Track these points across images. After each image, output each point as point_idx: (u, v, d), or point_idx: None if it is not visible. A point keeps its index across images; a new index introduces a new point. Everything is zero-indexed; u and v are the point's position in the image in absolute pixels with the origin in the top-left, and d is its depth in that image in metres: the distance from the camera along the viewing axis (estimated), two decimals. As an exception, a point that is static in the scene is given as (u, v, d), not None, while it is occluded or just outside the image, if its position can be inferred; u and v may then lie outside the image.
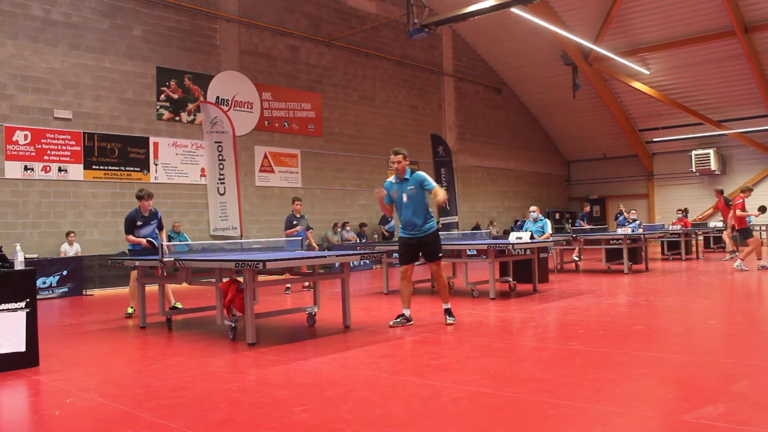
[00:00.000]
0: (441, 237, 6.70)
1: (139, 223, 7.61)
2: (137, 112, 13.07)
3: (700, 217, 22.27)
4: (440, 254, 6.34)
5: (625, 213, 14.91)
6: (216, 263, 5.94)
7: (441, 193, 5.96)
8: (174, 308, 7.66)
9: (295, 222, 10.31)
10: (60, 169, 11.91)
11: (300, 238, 9.24)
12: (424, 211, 6.22)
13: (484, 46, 21.71)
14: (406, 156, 6.21)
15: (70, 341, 6.22)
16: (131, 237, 7.57)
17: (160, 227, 7.88)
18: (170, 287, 7.89)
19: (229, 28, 14.72)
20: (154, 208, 7.87)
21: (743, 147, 22.30)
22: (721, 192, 15.65)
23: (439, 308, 7.60)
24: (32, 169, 11.61)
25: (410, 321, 6.37)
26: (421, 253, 6.31)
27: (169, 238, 12.99)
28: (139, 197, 7.68)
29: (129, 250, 7.86)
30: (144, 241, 7.48)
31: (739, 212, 11.80)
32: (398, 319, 6.31)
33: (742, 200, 11.93)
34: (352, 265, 10.13)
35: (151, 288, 8.70)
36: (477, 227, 20.46)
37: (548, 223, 11.24)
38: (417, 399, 3.65)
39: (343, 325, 6.30)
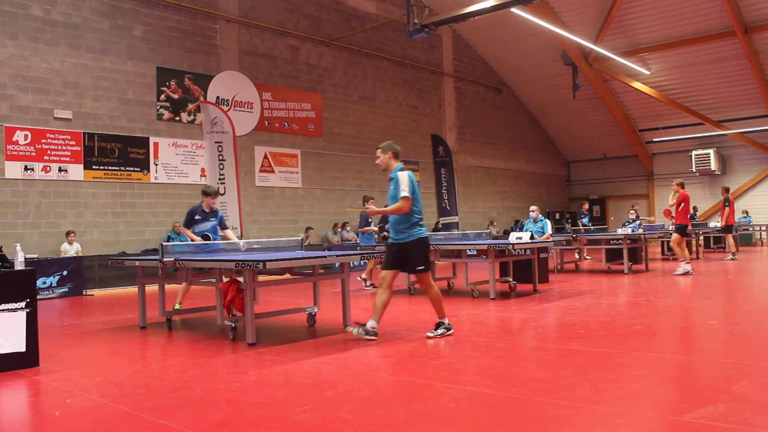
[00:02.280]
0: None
1: (197, 217, 7.67)
2: (137, 112, 13.08)
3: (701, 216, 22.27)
4: (420, 266, 5.50)
5: (636, 213, 14.81)
6: (216, 263, 5.94)
7: (373, 208, 5.87)
8: (175, 309, 7.63)
9: (370, 220, 10.93)
10: (60, 169, 11.92)
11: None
12: (403, 215, 5.52)
13: (484, 47, 21.71)
14: (385, 150, 5.62)
15: (70, 341, 6.22)
16: (188, 232, 7.70)
17: (223, 226, 7.88)
18: (184, 288, 7.77)
19: (229, 28, 14.72)
20: (216, 208, 7.88)
21: (743, 147, 22.31)
22: (727, 190, 15.61)
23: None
24: (32, 169, 11.61)
25: (372, 336, 5.50)
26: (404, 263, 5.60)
27: (169, 239, 13.01)
28: (206, 193, 7.71)
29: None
30: (197, 237, 7.51)
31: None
32: (358, 330, 5.55)
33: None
34: (351, 265, 10.10)
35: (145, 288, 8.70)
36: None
37: (548, 224, 11.24)
38: (417, 399, 3.65)
39: (343, 325, 6.30)
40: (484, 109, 22.43)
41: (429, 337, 5.55)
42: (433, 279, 5.78)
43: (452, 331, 5.73)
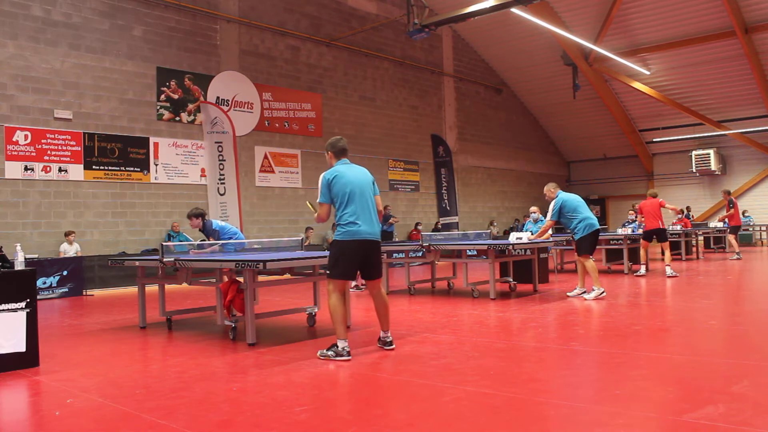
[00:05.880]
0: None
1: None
2: (137, 113, 13.08)
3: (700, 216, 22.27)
4: (327, 271, 5.15)
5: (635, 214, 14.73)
6: (216, 263, 5.94)
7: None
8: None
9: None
10: (60, 170, 11.92)
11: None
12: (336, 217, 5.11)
13: (484, 47, 21.71)
14: (325, 149, 5.36)
15: (71, 341, 6.22)
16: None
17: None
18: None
19: (230, 28, 14.72)
20: (207, 221, 7.64)
21: (743, 147, 22.31)
22: (729, 192, 15.80)
23: (438, 309, 7.61)
24: (32, 170, 11.61)
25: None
26: None
27: (169, 238, 13.02)
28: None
29: None
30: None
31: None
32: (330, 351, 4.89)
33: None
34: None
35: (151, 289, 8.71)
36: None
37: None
38: (417, 399, 3.65)
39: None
40: (484, 109, 22.43)
41: (318, 357, 4.89)
42: (337, 290, 4.97)
43: (346, 358, 4.76)
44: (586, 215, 8.22)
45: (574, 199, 8.36)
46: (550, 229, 11.35)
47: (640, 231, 12.56)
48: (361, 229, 4.93)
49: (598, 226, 8.29)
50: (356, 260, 4.97)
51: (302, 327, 6.53)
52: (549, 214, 8.40)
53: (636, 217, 11.94)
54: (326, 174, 5.06)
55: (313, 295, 6.70)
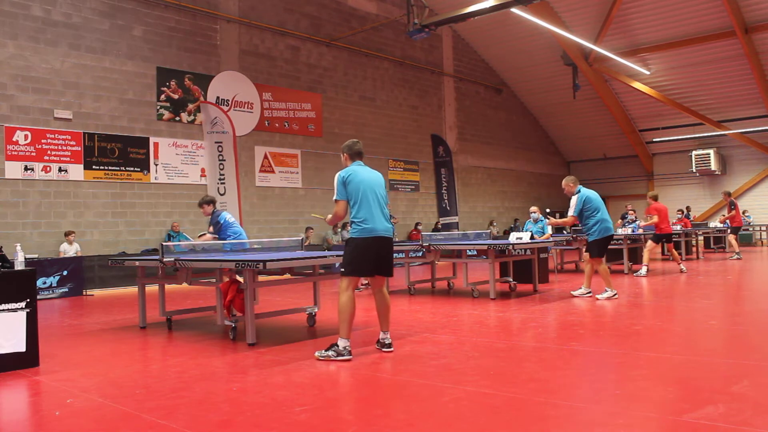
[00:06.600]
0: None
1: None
2: (137, 113, 13.08)
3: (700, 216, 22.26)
4: (341, 268, 5.09)
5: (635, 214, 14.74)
6: (216, 263, 5.94)
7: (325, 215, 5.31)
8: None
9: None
10: (60, 170, 11.92)
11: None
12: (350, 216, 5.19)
13: (484, 47, 21.71)
14: (342, 151, 5.39)
15: (71, 341, 6.22)
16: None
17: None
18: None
19: (230, 28, 14.72)
20: (217, 210, 7.76)
21: (743, 147, 22.30)
22: (729, 194, 15.87)
23: (438, 309, 7.61)
24: (32, 170, 11.61)
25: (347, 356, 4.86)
26: None
27: (169, 238, 13.01)
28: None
29: None
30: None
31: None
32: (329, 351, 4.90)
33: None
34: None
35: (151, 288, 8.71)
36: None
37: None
38: (417, 399, 3.65)
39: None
40: (484, 109, 22.43)
41: (317, 358, 4.87)
42: (350, 288, 4.96)
43: (347, 358, 4.78)
44: (604, 218, 8.10)
45: (596, 198, 8.21)
46: (551, 229, 11.39)
47: (640, 231, 12.57)
48: (376, 227, 5.05)
49: (612, 232, 8.22)
50: (370, 257, 5.03)
51: (302, 327, 6.53)
52: (571, 210, 8.15)
53: (647, 217, 11.94)
54: (341, 173, 5.15)
55: (313, 295, 6.70)
